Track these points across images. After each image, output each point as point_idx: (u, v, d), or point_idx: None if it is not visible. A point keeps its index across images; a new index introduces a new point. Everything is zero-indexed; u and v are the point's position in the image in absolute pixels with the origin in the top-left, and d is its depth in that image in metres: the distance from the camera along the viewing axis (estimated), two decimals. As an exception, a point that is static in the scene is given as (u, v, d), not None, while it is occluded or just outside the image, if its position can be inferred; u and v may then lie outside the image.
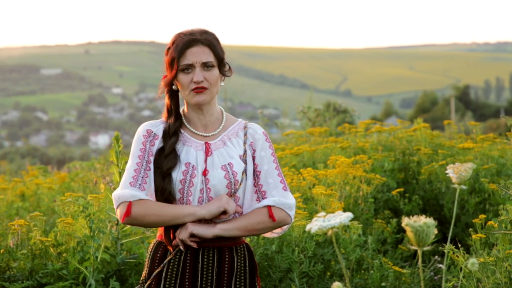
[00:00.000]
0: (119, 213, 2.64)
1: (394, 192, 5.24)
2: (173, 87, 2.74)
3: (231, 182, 2.66)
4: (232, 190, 2.68)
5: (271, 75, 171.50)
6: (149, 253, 2.75)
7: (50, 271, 4.05)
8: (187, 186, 2.65)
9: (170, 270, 2.67)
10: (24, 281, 4.03)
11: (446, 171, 2.20)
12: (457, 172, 2.14)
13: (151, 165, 2.68)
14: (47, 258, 4.16)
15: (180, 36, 2.69)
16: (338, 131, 7.76)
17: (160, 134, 2.73)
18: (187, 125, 2.76)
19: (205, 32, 2.71)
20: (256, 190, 2.73)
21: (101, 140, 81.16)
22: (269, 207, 2.68)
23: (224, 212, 2.63)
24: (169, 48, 2.71)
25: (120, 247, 4.26)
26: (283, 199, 2.70)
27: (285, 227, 2.76)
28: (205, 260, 2.67)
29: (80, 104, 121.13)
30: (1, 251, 4.16)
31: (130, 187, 2.64)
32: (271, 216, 2.67)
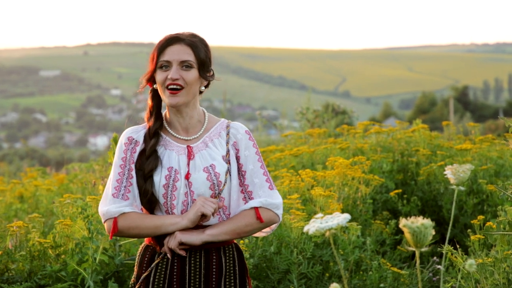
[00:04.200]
0: (106, 228, 2.67)
1: (392, 193, 5.24)
2: (154, 86, 2.72)
3: (214, 183, 2.65)
4: (216, 192, 2.66)
5: (270, 76, 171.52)
6: (137, 257, 2.75)
7: (48, 273, 4.05)
8: (171, 191, 2.64)
9: (158, 274, 2.67)
10: (22, 283, 4.03)
11: (444, 172, 2.21)
12: (455, 173, 2.15)
13: (133, 173, 2.67)
14: (45, 260, 4.16)
15: (166, 36, 2.69)
16: (337, 132, 7.76)
17: (141, 140, 2.72)
18: (168, 129, 2.74)
19: (192, 35, 2.70)
20: (242, 190, 2.71)
21: (100, 141, 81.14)
22: (256, 208, 2.67)
23: (204, 215, 2.61)
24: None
25: (118, 248, 4.26)
26: (270, 199, 2.69)
27: (273, 226, 2.76)
28: (192, 262, 2.66)
29: (79, 106, 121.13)
30: (0, 252, 4.16)
31: (113, 199, 2.65)
32: (258, 217, 2.66)
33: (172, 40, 2.66)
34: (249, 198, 2.71)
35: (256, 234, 2.78)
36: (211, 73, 2.74)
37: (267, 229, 2.77)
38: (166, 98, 2.66)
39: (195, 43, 2.68)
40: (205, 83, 2.74)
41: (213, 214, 2.62)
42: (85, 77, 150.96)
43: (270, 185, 2.71)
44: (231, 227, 2.65)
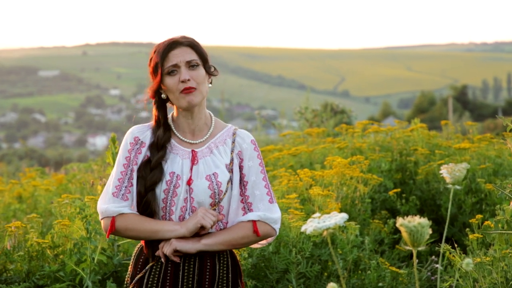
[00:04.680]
0: (103, 226, 2.67)
1: (391, 193, 5.24)
2: (162, 96, 2.70)
3: (215, 192, 2.64)
4: (216, 200, 2.65)
5: (269, 76, 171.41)
6: (133, 257, 2.75)
7: (47, 273, 4.05)
8: (171, 196, 2.63)
9: (151, 277, 2.67)
10: (21, 283, 4.03)
11: (440, 171, 2.21)
12: (450, 172, 2.15)
13: (135, 174, 2.67)
14: (44, 260, 4.16)
15: (160, 43, 2.69)
16: (335, 131, 7.76)
17: (147, 141, 2.70)
18: (175, 131, 2.72)
19: (184, 37, 2.70)
20: (242, 200, 2.70)
21: (99, 141, 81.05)
22: (254, 221, 2.66)
23: (203, 227, 2.61)
24: (151, 59, 2.69)
25: (117, 248, 4.26)
26: (268, 213, 2.68)
27: (270, 239, 2.75)
28: (186, 267, 2.66)
29: (78, 106, 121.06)
30: (-2, 253, 4.16)
31: (112, 198, 2.64)
32: (255, 231, 2.66)
33: (171, 45, 2.67)
34: (248, 209, 2.69)
35: (252, 246, 2.79)
36: (213, 68, 2.75)
37: (263, 242, 2.77)
38: (182, 99, 2.64)
39: (193, 42, 2.70)
40: (210, 80, 2.75)
41: (211, 226, 2.62)
42: (84, 77, 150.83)
43: (271, 198, 2.70)
44: (227, 238, 2.65)
